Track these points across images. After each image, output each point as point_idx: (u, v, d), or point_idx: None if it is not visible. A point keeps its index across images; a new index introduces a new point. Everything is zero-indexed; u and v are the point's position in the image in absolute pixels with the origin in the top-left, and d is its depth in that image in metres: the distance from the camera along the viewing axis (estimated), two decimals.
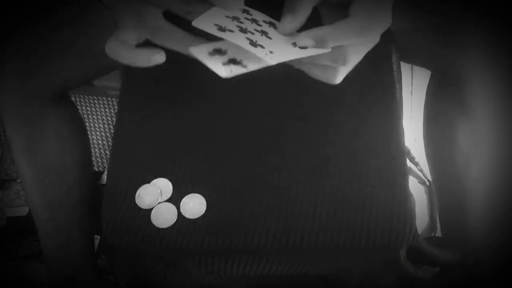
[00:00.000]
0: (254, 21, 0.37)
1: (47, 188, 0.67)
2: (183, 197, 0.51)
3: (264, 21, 0.38)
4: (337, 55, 0.37)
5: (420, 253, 0.53)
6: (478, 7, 0.56)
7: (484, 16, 0.56)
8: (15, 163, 0.70)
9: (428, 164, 0.68)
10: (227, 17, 0.36)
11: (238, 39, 0.35)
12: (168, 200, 0.51)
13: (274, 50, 0.35)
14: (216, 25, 0.35)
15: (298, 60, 0.38)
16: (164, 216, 0.50)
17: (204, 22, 0.35)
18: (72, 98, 1.10)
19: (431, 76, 0.65)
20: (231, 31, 0.35)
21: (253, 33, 0.36)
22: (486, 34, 0.56)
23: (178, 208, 0.50)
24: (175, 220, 0.50)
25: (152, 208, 0.50)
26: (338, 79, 0.40)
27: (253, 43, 0.35)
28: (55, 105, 0.67)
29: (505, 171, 0.61)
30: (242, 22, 0.36)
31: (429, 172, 0.70)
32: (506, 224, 0.61)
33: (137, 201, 0.50)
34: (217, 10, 0.36)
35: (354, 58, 0.38)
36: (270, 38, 0.36)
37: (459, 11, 0.57)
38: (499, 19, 0.57)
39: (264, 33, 0.36)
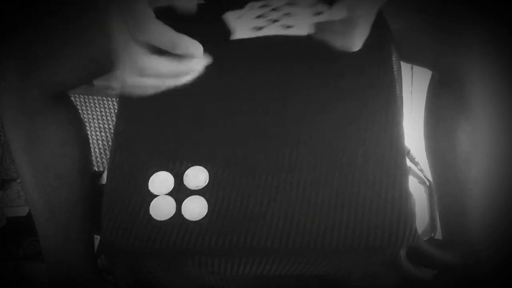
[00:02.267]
0: (275, 9, 0.44)
1: (46, 189, 0.67)
2: (183, 196, 0.51)
3: (283, 5, 0.45)
4: (347, 20, 0.41)
5: (420, 254, 0.53)
6: (479, 7, 0.56)
7: (485, 16, 0.56)
8: (14, 163, 0.70)
9: (428, 163, 0.68)
10: (256, 17, 0.43)
11: (274, 30, 0.43)
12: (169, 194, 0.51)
13: (298, 24, 0.43)
14: (253, 28, 0.43)
15: (320, 29, 0.45)
16: (162, 208, 0.50)
17: (241, 32, 0.43)
18: (72, 98, 1.10)
19: (432, 75, 0.65)
20: (264, 27, 0.43)
21: (279, 20, 0.43)
22: (487, 34, 0.56)
23: (179, 207, 0.50)
24: (173, 213, 0.50)
25: (151, 201, 0.50)
26: (355, 44, 0.45)
27: (286, 27, 0.43)
28: (54, 105, 0.67)
29: (505, 171, 0.61)
30: (268, 16, 0.44)
31: (429, 172, 0.70)
32: (506, 224, 0.61)
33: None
34: (246, 14, 0.44)
35: (364, 21, 0.41)
36: (294, 15, 0.44)
37: (460, 11, 0.56)
38: (500, 19, 0.56)
39: (288, 14, 0.44)
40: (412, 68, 0.87)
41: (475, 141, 0.59)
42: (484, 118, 0.59)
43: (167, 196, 0.51)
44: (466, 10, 0.56)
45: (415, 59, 0.65)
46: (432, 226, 0.73)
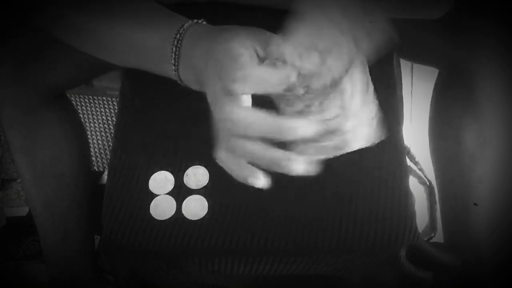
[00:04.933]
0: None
1: (45, 187, 0.67)
2: (184, 195, 0.51)
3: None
4: None
5: (420, 254, 0.53)
6: (490, 6, 0.56)
7: (496, 17, 0.56)
8: (14, 163, 0.70)
9: (432, 162, 0.67)
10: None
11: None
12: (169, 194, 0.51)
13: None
14: None
15: None
16: (162, 208, 0.50)
17: None
18: (72, 98, 1.10)
19: (439, 74, 0.65)
20: None
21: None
22: (497, 35, 0.56)
23: (179, 206, 0.50)
24: (173, 213, 0.50)
25: (151, 200, 0.50)
26: None
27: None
28: (51, 105, 0.67)
29: (510, 171, 0.60)
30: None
31: (429, 172, 0.70)
32: (508, 223, 0.61)
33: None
34: None
35: None
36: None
37: (470, 9, 0.56)
38: (510, 20, 0.56)
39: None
40: (412, 68, 0.87)
41: (481, 140, 0.59)
42: (492, 117, 0.58)
43: (167, 195, 0.51)
44: (477, 8, 0.56)
45: (422, 58, 0.65)
46: (432, 226, 0.73)
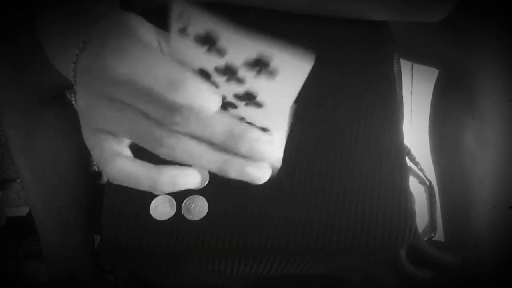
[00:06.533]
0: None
1: (45, 187, 0.67)
2: (183, 195, 0.51)
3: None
4: None
5: (420, 254, 0.53)
6: (489, 8, 0.56)
7: (496, 17, 0.56)
8: (14, 163, 0.70)
9: (433, 162, 0.68)
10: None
11: None
12: (169, 194, 0.51)
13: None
14: None
15: None
16: (162, 208, 0.50)
17: None
18: (72, 98, 1.09)
19: (439, 74, 0.65)
20: None
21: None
22: (497, 35, 0.56)
23: (179, 206, 0.50)
24: (173, 213, 0.50)
25: (151, 200, 0.50)
26: None
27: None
28: (51, 105, 0.67)
29: (510, 171, 0.61)
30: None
31: (429, 172, 0.70)
32: (508, 223, 0.61)
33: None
34: None
35: None
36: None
37: (469, 13, 0.56)
38: (510, 20, 0.56)
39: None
40: (412, 68, 0.87)
41: (482, 140, 0.59)
42: (491, 119, 0.59)
43: (167, 195, 0.51)
44: (477, 9, 0.56)
45: (422, 58, 0.65)
46: (432, 226, 0.73)
